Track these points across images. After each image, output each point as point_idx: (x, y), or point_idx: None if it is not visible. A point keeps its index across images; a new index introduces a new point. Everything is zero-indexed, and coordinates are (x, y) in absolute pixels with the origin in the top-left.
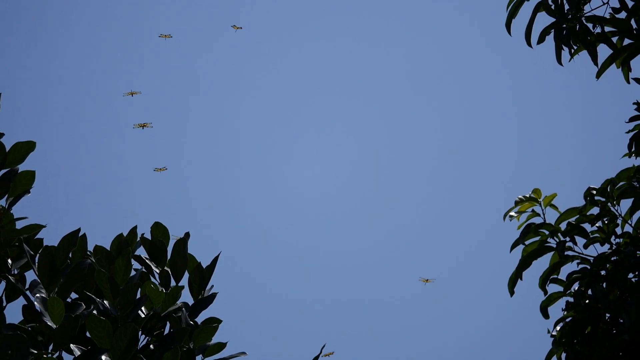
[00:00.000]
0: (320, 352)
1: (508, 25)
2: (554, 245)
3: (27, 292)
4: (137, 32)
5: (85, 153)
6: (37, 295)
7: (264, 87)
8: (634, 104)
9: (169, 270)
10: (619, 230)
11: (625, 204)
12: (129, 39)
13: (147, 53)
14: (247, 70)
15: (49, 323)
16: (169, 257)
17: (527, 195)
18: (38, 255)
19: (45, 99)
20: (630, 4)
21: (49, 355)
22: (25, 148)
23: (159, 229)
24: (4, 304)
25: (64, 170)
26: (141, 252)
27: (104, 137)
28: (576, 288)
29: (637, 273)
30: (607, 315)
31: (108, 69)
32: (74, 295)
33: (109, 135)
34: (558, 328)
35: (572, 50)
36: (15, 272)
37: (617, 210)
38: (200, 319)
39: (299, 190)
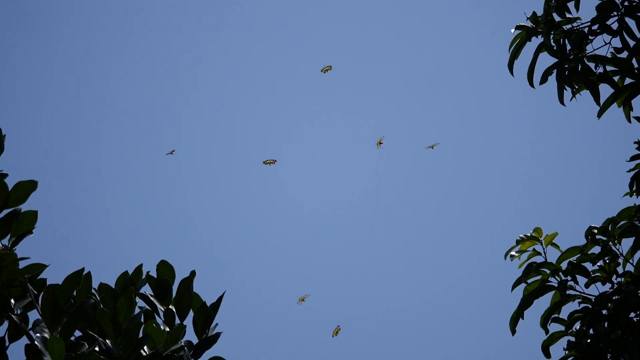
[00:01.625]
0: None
1: (510, 66)
2: (556, 285)
3: (30, 332)
4: (135, 32)
5: (86, 188)
6: (38, 334)
7: (264, 89)
8: (634, 142)
9: (173, 308)
10: (620, 270)
11: (627, 243)
12: (129, 39)
13: (140, 58)
14: (247, 70)
15: None
16: (174, 295)
17: (529, 234)
18: (41, 294)
19: (46, 137)
20: (632, 43)
21: None
22: (28, 187)
23: (164, 267)
24: (7, 343)
25: (65, 206)
26: (147, 289)
27: (104, 164)
28: (578, 327)
29: (638, 312)
30: (609, 354)
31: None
32: (78, 334)
33: (109, 162)
34: None
35: (574, 90)
36: (19, 311)
37: (618, 250)
38: (204, 359)
39: (300, 196)
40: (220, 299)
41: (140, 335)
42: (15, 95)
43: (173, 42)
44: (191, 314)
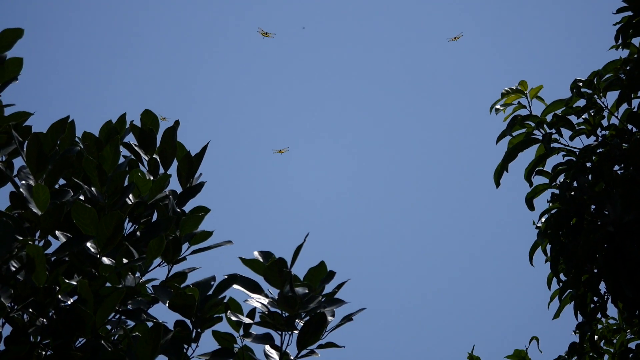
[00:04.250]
0: (304, 241)
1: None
2: (540, 137)
3: (15, 179)
4: (138, 32)
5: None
6: (23, 182)
7: (264, 91)
8: None
9: (157, 158)
10: (605, 123)
11: (612, 96)
12: (130, 39)
13: (148, 55)
14: (248, 73)
15: (34, 210)
16: (158, 145)
17: (514, 87)
18: (26, 142)
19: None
20: None
21: (35, 241)
22: (13, 35)
23: (148, 117)
24: None
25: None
26: (130, 139)
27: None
28: (562, 180)
29: (622, 165)
30: (592, 207)
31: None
32: (62, 182)
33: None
34: (543, 220)
35: None
36: (3, 158)
37: (603, 103)
38: (187, 208)
39: (302, 195)
40: (204, 148)
41: (126, 183)
42: None
43: (179, 39)
44: (175, 163)
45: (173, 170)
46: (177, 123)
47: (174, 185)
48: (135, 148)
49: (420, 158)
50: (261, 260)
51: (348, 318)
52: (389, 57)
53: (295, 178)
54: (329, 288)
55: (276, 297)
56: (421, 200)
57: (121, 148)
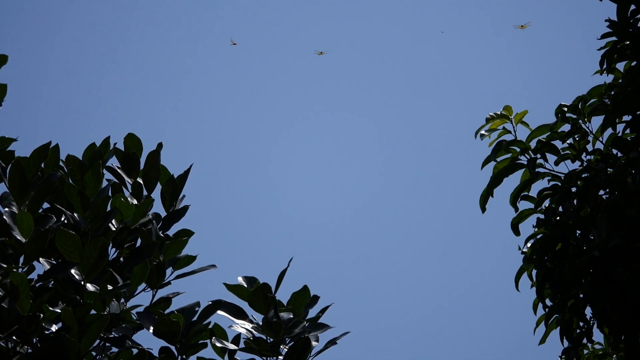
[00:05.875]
0: (288, 265)
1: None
2: (525, 162)
3: None
4: (134, 32)
5: (59, 65)
6: (7, 209)
7: (262, 97)
8: (605, 20)
9: (141, 181)
10: (589, 147)
11: (597, 121)
12: (126, 39)
13: (142, 57)
14: (244, 77)
15: (18, 237)
16: (141, 168)
17: (498, 113)
18: (9, 167)
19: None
20: None
21: (20, 268)
22: None
23: (132, 140)
24: None
25: (38, 82)
26: (115, 162)
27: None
28: (547, 205)
29: (607, 190)
30: (578, 232)
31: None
32: (47, 205)
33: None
34: (529, 245)
35: None
36: None
37: (588, 127)
38: (172, 231)
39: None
40: (188, 170)
41: (108, 208)
42: None
43: (168, 38)
44: (159, 187)
45: (157, 193)
46: (160, 146)
47: (158, 206)
48: (119, 171)
49: (405, 183)
50: (245, 285)
51: (332, 342)
52: (367, 78)
53: (281, 198)
54: (313, 312)
55: (261, 323)
56: (407, 225)
57: (105, 171)
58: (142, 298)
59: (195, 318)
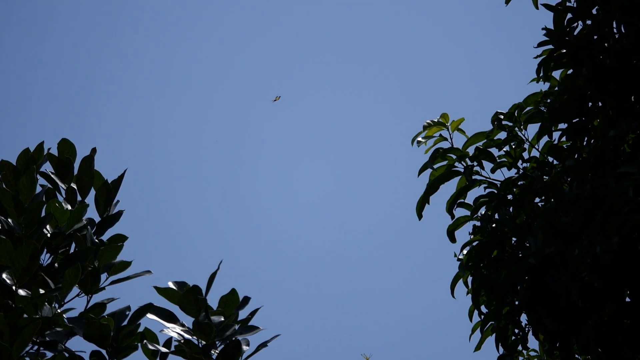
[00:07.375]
0: (218, 268)
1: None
2: (462, 170)
3: None
4: (132, 33)
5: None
6: None
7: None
8: (542, 29)
9: (75, 186)
10: (526, 155)
11: (533, 128)
12: (118, 37)
13: (141, 57)
14: (242, 75)
15: None
16: (75, 173)
17: (435, 120)
18: None
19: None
20: None
21: None
22: None
23: (66, 145)
24: None
25: None
26: (48, 167)
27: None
28: (483, 212)
29: (543, 197)
30: (514, 239)
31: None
32: None
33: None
34: (465, 252)
35: None
36: None
37: (524, 135)
38: (107, 236)
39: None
40: (122, 175)
41: (43, 214)
42: None
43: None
44: (93, 192)
45: (91, 198)
46: (93, 151)
47: (92, 213)
48: (53, 177)
49: (343, 188)
50: (176, 289)
51: (263, 345)
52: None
53: (217, 203)
54: (244, 314)
55: (191, 327)
56: (342, 229)
57: (39, 177)
58: (77, 304)
59: (125, 322)
